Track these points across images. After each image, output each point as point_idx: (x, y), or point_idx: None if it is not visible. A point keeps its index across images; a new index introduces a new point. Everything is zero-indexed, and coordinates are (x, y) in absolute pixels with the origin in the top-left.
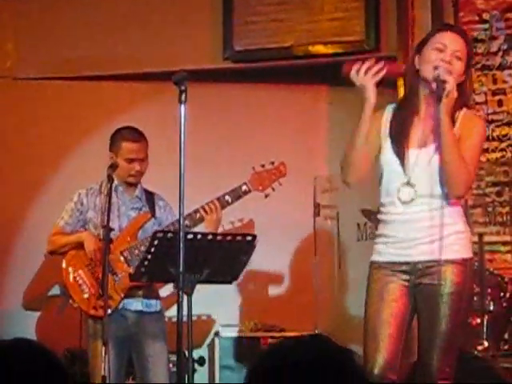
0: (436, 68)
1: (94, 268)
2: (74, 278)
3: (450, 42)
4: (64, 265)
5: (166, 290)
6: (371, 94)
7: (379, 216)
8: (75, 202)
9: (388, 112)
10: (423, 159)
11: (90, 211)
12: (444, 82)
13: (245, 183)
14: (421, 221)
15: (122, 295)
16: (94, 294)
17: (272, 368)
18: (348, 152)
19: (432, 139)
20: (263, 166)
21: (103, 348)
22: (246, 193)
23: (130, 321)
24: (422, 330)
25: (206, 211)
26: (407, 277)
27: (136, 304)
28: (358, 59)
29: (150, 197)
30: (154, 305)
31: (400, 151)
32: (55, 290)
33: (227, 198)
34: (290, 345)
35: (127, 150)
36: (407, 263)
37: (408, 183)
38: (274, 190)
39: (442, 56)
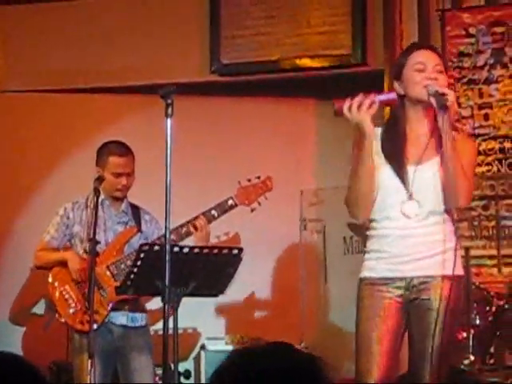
0: (426, 86)
1: (80, 283)
2: (61, 292)
3: (427, 59)
4: (50, 279)
5: (155, 303)
6: (368, 129)
7: (369, 232)
8: (61, 216)
9: (377, 132)
10: (420, 176)
11: (76, 225)
12: (443, 94)
13: (231, 197)
14: (419, 236)
15: (109, 309)
16: (81, 309)
17: (236, 375)
18: (355, 189)
19: (426, 157)
20: (249, 180)
21: (89, 362)
22: (232, 207)
23: (116, 334)
24: (414, 345)
25: (195, 228)
26: (401, 292)
27: (121, 318)
28: (345, 98)
29: (135, 211)
30: (140, 319)
31: (399, 168)
32: (40, 308)
33: (213, 212)
34: (256, 352)
35: (114, 164)
36: (402, 279)
37: (411, 197)
38: (260, 204)
39: (426, 75)
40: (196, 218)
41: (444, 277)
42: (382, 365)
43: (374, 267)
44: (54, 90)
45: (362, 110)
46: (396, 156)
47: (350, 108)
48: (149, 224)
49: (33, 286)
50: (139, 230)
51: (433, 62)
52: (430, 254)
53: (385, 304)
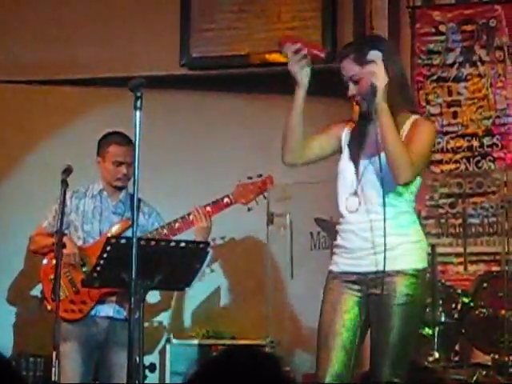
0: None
1: (70, 271)
2: (50, 280)
3: (344, 70)
4: (43, 267)
5: (153, 297)
6: (300, 80)
7: (337, 226)
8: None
9: (353, 123)
10: (371, 168)
11: (72, 214)
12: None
13: (228, 195)
14: (371, 230)
15: (95, 301)
16: (68, 298)
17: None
18: (284, 132)
19: (377, 150)
20: (250, 178)
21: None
22: (227, 205)
23: (101, 327)
24: (373, 341)
25: (192, 219)
26: (358, 287)
27: (107, 310)
28: (291, 38)
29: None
30: (125, 312)
31: (355, 159)
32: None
33: (208, 208)
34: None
35: (114, 153)
36: (358, 273)
37: (355, 193)
38: (257, 203)
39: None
40: (195, 211)
41: (400, 271)
42: (338, 359)
43: (336, 261)
44: (21, 81)
45: (295, 57)
46: (355, 148)
47: (289, 49)
48: (147, 216)
49: (31, 270)
50: None
51: (347, 73)
52: (384, 248)
53: (342, 299)
